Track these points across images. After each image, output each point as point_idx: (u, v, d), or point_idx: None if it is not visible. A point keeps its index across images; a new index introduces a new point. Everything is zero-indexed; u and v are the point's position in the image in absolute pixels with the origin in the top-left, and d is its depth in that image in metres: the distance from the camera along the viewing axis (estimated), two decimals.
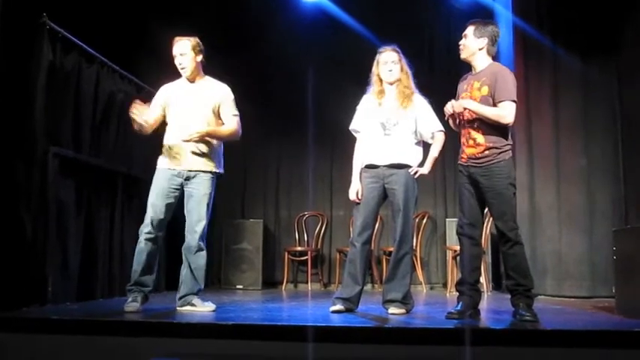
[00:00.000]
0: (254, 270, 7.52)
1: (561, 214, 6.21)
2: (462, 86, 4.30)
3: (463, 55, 4.27)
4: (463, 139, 4.24)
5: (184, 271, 4.58)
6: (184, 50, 4.56)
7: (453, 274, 7.02)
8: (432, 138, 4.62)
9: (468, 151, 4.19)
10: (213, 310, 4.52)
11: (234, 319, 3.96)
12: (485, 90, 4.11)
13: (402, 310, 4.37)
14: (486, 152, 4.09)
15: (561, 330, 3.57)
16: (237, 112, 4.74)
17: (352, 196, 4.60)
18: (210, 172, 4.59)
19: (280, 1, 7.81)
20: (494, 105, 4.08)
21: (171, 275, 5.59)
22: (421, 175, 4.56)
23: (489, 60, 4.26)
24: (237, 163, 8.19)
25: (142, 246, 4.44)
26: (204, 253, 4.59)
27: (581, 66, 6.27)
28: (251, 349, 3.48)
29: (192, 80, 4.65)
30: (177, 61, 4.60)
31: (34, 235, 4.63)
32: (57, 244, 4.94)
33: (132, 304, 4.31)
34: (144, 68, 6.13)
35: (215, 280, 7.87)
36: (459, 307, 4.11)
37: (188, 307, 4.52)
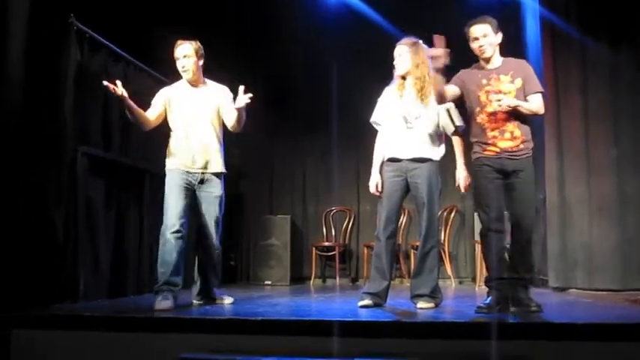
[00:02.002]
0: (282, 266, 7.55)
1: (592, 206, 6.12)
2: (479, 79, 4.24)
3: (488, 54, 4.23)
4: (494, 133, 4.18)
5: (202, 267, 4.74)
6: (188, 52, 4.64)
7: (482, 268, 6.97)
8: (454, 134, 4.55)
9: (502, 144, 4.16)
10: (232, 303, 4.71)
11: (262, 314, 3.97)
12: (519, 82, 4.17)
13: (431, 305, 4.35)
14: (521, 146, 4.15)
15: (593, 323, 3.52)
16: None
17: (372, 188, 4.61)
18: (221, 173, 4.71)
19: None
20: (525, 98, 4.15)
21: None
22: (466, 183, 4.53)
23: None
24: (264, 159, 8.25)
25: (171, 245, 4.41)
26: (220, 249, 4.76)
27: (610, 56, 6.17)
28: (280, 344, 3.49)
29: (194, 84, 4.72)
30: (180, 64, 4.66)
31: (65, 233, 4.71)
32: (88, 242, 5.01)
33: (164, 302, 4.27)
34: (170, 66, 6.18)
35: (244, 276, 7.93)
36: (488, 301, 4.10)
37: (208, 301, 4.71)
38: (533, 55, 6.75)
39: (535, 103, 4.17)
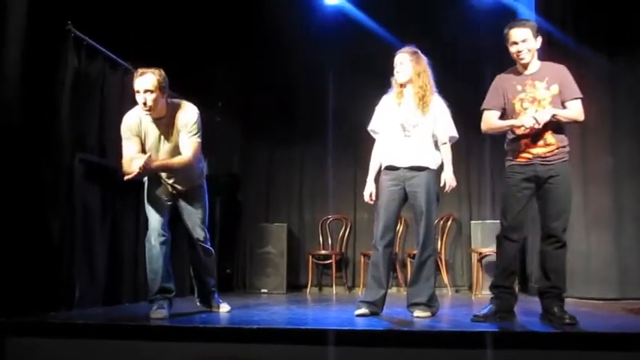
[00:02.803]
0: (278, 274, 7.53)
1: (588, 215, 6.12)
2: (513, 86, 4.15)
3: (526, 60, 4.09)
4: (526, 140, 4.08)
5: (195, 272, 4.76)
6: (149, 86, 4.13)
7: (479, 277, 6.97)
8: (445, 143, 4.57)
9: (535, 151, 4.06)
10: (228, 311, 4.69)
11: (259, 322, 3.96)
12: (555, 89, 4.07)
13: (427, 313, 4.34)
14: (556, 151, 4.05)
15: (592, 332, 3.52)
16: (196, 139, 4.32)
17: (366, 197, 4.62)
18: (197, 185, 4.58)
19: (301, 5, 7.82)
20: (563, 104, 4.07)
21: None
22: (453, 184, 4.56)
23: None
24: (261, 167, 8.24)
25: (157, 251, 4.37)
26: (211, 252, 4.72)
27: (607, 64, 6.19)
28: (276, 352, 3.48)
29: (156, 116, 4.28)
30: (139, 99, 4.15)
31: (61, 240, 4.70)
32: (83, 249, 4.99)
33: (159, 311, 4.25)
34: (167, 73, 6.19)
35: (240, 284, 7.90)
36: (485, 310, 4.08)
37: (205, 307, 4.75)
38: None
39: (574, 110, 4.06)
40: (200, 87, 7.12)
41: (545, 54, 6.39)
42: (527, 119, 3.98)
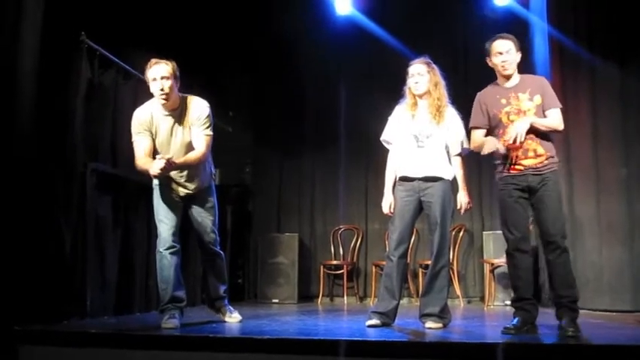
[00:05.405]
0: (290, 284, 7.52)
1: (601, 226, 6.08)
2: (498, 100, 4.20)
3: (510, 71, 4.17)
4: (516, 153, 4.10)
5: (205, 276, 4.78)
6: (165, 73, 4.21)
7: (491, 288, 6.93)
8: (457, 155, 4.57)
9: (526, 162, 4.09)
10: (240, 321, 4.69)
11: (270, 332, 3.96)
12: (538, 100, 4.13)
13: (439, 325, 4.32)
14: (546, 162, 4.08)
15: (604, 345, 3.49)
16: (208, 132, 4.39)
17: (385, 209, 4.59)
18: (207, 187, 4.60)
19: (313, 15, 7.85)
20: (543, 113, 4.12)
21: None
22: (468, 208, 4.60)
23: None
24: (272, 177, 8.26)
25: (168, 261, 4.37)
26: (222, 255, 4.72)
27: (619, 74, 6.17)
28: None
29: (169, 108, 4.32)
30: (156, 86, 4.21)
31: (73, 249, 4.72)
32: (95, 258, 5.02)
33: (171, 321, 4.25)
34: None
35: (251, 294, 7.90)
36: (515, 322, 4.04)
37: (215, 313, 4.75)
38: (542, 75, 6.73)
39: (553, 119, 4.11)
40: (211, 97, 7.14)
41: (557, 64, 6.44)
42: (510, 133, 4.04)
